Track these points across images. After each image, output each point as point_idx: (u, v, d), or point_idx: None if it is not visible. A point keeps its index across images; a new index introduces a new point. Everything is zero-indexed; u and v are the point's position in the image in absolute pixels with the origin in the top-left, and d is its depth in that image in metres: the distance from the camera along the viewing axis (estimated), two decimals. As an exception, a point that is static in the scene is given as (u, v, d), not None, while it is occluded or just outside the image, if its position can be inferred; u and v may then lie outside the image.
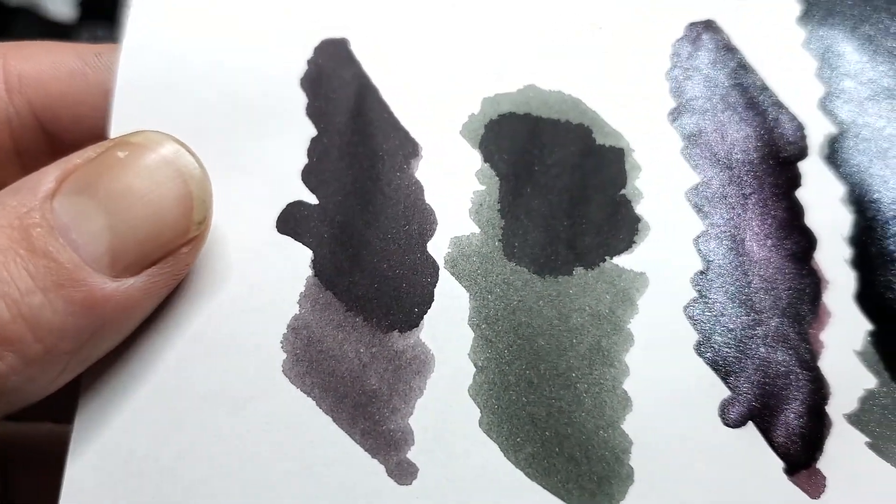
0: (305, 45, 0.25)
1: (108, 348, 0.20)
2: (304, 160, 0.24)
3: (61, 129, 0.26)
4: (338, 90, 0.24)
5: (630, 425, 0.21)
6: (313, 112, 0.23)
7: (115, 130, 0.23)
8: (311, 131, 0.24)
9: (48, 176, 0.19)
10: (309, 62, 0.25)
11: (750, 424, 0.21)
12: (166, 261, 0.20)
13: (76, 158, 0.20)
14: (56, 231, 0.18)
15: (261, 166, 0.23)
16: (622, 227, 0.23)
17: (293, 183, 0.23)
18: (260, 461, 0.22)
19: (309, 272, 0.22)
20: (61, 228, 0.18)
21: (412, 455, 0.21)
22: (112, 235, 0.19)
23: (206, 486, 0.22)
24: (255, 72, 0.25)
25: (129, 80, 0.24)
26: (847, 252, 0.23)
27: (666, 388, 0.21)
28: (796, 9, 0.25)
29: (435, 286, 0.22)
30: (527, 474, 0.21)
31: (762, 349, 0.22)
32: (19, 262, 0.18)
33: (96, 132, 0.23)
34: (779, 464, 0.21)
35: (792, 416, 0.21)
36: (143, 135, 0.20)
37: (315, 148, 0.23)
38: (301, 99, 0.25)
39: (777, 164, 0.24)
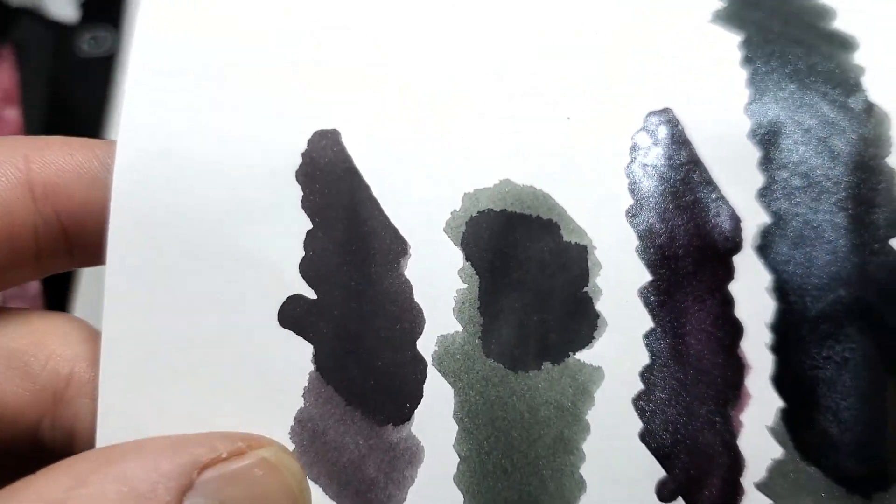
0: (300, 135, 0.29)
1: None
2: (301, 253, 0.27)
3: (85, 234, 0.28)
4: (332, 185, 0.27)
5: (584, 505, 0.27)
6: (308, 205, 0.27)
7: (114, 222, 0.27)
8: (307, 224, 0.28)
9: (191, 462, 0.19)
10: (303, 155, 0.29)
11: (679, 499, 0.28)
12: None
13: (214, 447, 0.20)
14: None
15: (259, 257, 0.27)
16: (584, 323, 0.28)
17: (292, 276, 0.27)
18: None
19: (311, 366, 0.27)
20: None
21: (406, 538, 0.26)
22: None
23: None
24: (251, 164, 0.28)
25: (126, 172, 0.27)
26: (769, 338, 0.29)
27: (615, 471, 0.27)
28: (745, 95, 0.30)
29: (423, 382, 0.27)
30: (503, 553, 0.27)
31: (694, 435, 0.28)
32: None
33: None
34: (702, 530, 0.28)
35: (714, 490, 0.28)
36: (276, 453, 0.22)
37: (311, 242, 0.27)
38: (296, 192, 0.28)
39: (716, 258, 0.29)
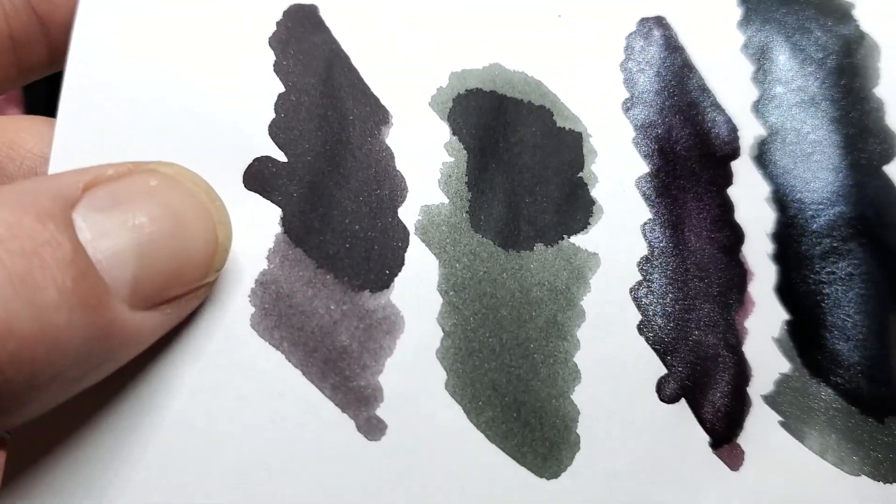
0: (275, 9, 0.28)
1: (97, 380, 0.20)
2: (272, 115, 0.26)
3: (57, 15, 0.27)
4: (307, 52, 0.27)
5: (578, 396, 0.25)
6: (281, 69, 0.26)
7: (69, 78, 0.26)
8: (279, 88, 0.26)
9: (73, 182, 0.19)
10: (278, 24, 0.28)
11: (682, 401, 0.26)
12: (179, 301, 0.21)
13: (100, 172, 0.19)
14: (82, 245, 0.18)
15: (227, 120, 0.26)
16: (579, 208, 0.27)
17: (260, 138, 0.25)
18: (223, 413, 0.24)
19: (278, 229, 0.25)
20: (84, 243, 0.18)
21: (381, 412, 0.24)
22: (138, 263, 0.19)
23: (165, 436, 0.24)
24: (224, 29, 0.28)
25: (87, 25, 0.26)
26: (770, 247, 0.28)
27: (611, 363, 0.26)
28: (737, 13, 0.30)
29: (406, 251, 0.25)
30: (487, 437, 0.25)
31: (695, 332, 0.27)
32: (48, 272, 0.17)
33: None
34: (705, 438, 0.26)
35: (718, 395, 0.27)
36: (175, 168, 0.21)
37: (283, 104, 0.26)
38: (269, 56, 0.28)
39: (713, 162, 0.29)
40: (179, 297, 0.21)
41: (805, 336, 0.28)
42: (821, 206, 0.30)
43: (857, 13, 0.32)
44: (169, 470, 0.23)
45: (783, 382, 0.27)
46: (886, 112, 0.31)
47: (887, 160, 0.31)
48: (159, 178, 0.20)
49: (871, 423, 0.28)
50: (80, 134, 0.25)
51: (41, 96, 0.59)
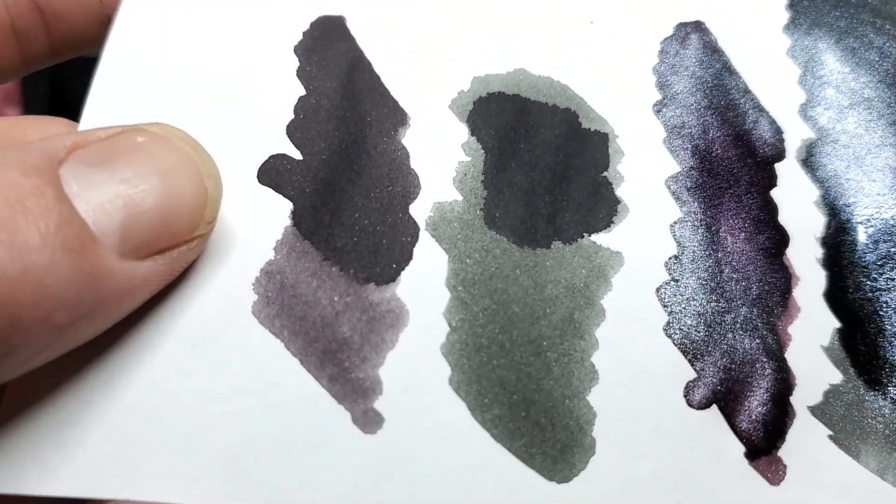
0: (303, 19, 0.30)
1: (91, 335, 0.21)
2: (291, 116, 0.26)
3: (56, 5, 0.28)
4: (330, 59, 0.28)
5: (595, 398, 0.24)
6: (304, 74, 0.27)
7: (105, 61, 0.28)
8: (300, 91, 0.26)
9: (60, 141, 0.20)
10: (304, 33, 0.30)
11: (713, 408, 0.24)
12: (171, 252, 0.21)
13: (89, 133, 0.20)
14: (67, 196, 0.18)
15: (247, 119, 0.26)
16: (602, 206, 0.26)
17: (278, 137, 0.26)
18: (217, 396, 0.25)
19: (287, 222, 0.25)
20: (71, 195, 0.19)
21: (379, 405, 0.23)
22: (126, 213, 0.20)
23: (157, 416, 0.25)
24: (252, 37, 0.30)
25: (126, 20, 0.28)
26: (819, 252, 0.26)
27: (633, 364, 0.24)
28: (783, 17, 0.29)
29: (415, 245, 0.25)
30: (492, 435, 0.23)
31: (730, 335, 0.25)
32: (30, 218, 0.17)
33: (86, 5, 0.27)
34: (740, 448, 0.24)
35: (756, 403, 0.25)
36: (162, 126, 0.22)
37: (302, 106, 0.26)
38: (293, 63, 0.29)
39: (754, 163, 0.27)
40: (171, 249, 0.21)
41: (860, 345, 0.26)
42: (876, 210, 0.28)
43: None
44: (159, 451, 0.23)
45: (833, 393, 0.25)
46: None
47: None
48: (146, 136, 0.21)
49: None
50: (105, 120, 0.26)
51: (41, 96, 0.61)
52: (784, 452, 0.26)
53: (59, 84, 0.61)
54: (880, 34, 0.32)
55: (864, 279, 0.28)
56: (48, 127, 0.29)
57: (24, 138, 0.28)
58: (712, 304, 0.27)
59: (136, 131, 0.21)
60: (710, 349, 0.27)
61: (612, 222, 0.28)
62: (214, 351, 0.25)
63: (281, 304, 0.25)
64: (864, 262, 0.28)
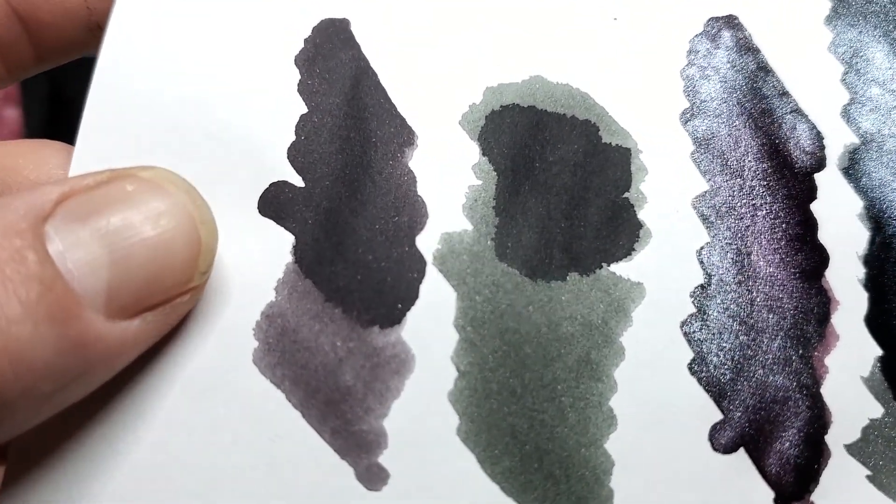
0: (305, 24, 0.28)
1: (83, 394, 0.20)
2: (292, 137, 0.24)
3: (31, 7, 0.27)
4: (334, 71, 0.26)
5: (613, 445, 0.23)
6: (305, 89, 0.25)
7: (97, 81, 0.26)
8: (302, 108, 0.24)
9: (46, 195, 0.19)
10: (306, 41, 0.28)
11: (741, 451, 0.22)
12: (163, 308, 0.21)
13: (77, 182, 0.20)
14: (52, 257, 0.18)
15: (246, 141, 0.25)
16: (622, 232, 0.24)
17: (278, 161, 0.24)
18: (219, 452, 0.24)
19: (289, 258, 0.24)
20: (55, 255, 0.18)
21: (384, 459, 0.22)
22: (112, 272, 0.19)
23: (160, 474, 0.24)
24: (249, 46, 0.28)
25: (115, 40, 0.27)
26: (861, 271, 0.24)
27: (655, 407, 0.23)
28: (825, 7, 0.26)
29: (421, 282, 0.23)
30: (503, 489, 0.22)
31: (760, 372, 0.23)
32: (9, 286, 0.17)
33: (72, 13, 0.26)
34: (769, 494, 0.22)
35: (787, 444, 0.23)
36: (154, 171, 0.21)
37: (304, 125, 0.25)
38: (294, 76, 0.27)
39: (792, 174, 0.25)
40: (163, 304, 0.21)
41: (903, 376, 0.24)
42: (928, 224, 0.26)
43: None
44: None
45: (872, 429, 0.24)
46: None
47: None
48: (136, 183, 0.20)
49: None
50: (97, 153, 0.25)
51: (41, 96, 0.60)
52: (817, 496, 0.24)
53: (59, 84, 0.60)
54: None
55: (911, 300, 0.26)
56: (42, 154, 0.28)
57: (18, 168, 0.27)
58: (742, 338, 0.25)
59: (125, 178, 0.20)
60: (738, 387, 0.25)
61: (634, 249, 0.26)
62: (216, 404, 0.24)
63: (282, 352, 0.24)
64: (911, 281, 0.26)
